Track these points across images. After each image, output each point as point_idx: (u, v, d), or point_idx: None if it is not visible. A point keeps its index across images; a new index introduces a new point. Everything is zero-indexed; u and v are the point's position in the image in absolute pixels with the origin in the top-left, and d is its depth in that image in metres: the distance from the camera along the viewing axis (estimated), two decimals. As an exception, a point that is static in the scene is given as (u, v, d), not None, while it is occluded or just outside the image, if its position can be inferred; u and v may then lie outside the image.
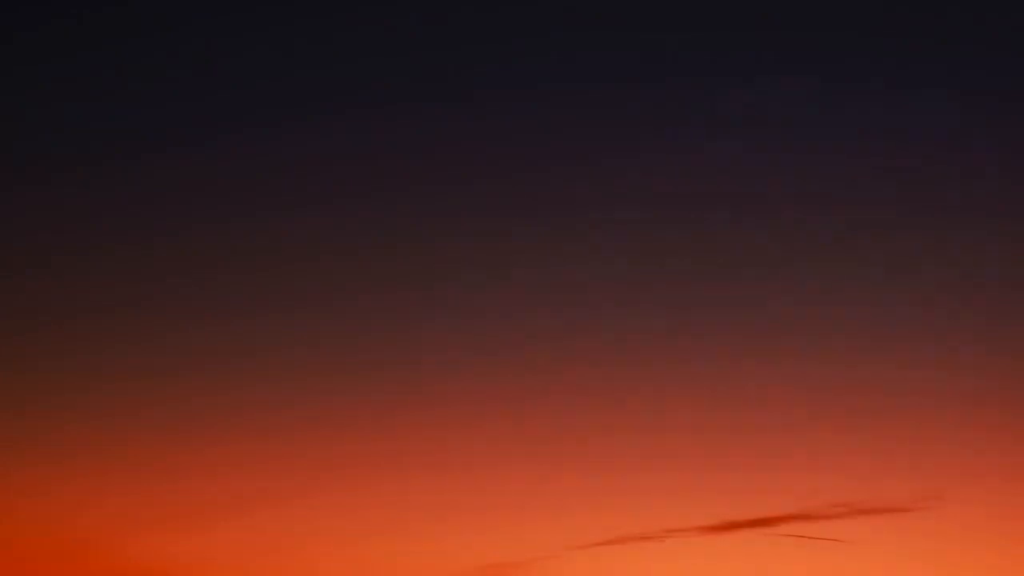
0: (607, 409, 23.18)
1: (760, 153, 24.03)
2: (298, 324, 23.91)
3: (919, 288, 23.29)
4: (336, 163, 24.47)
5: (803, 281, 23.49)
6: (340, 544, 22.50)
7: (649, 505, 22.29)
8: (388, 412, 23.47)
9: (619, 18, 24.06)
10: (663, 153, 24.19)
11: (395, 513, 22.71)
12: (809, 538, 21.74)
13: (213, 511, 22.49)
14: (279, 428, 23.32)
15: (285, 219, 24.35)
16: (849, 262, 23.55)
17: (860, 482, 22.09)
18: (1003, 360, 22.83)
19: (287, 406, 23.43)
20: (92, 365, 23.83)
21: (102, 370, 23.75)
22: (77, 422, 23.40)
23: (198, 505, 22.62)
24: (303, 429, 23.34)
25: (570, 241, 24.03)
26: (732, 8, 24.00)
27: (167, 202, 24.44)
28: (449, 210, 24.16)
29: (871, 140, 23.86)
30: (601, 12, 24.03)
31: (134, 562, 22.06)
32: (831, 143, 23.87)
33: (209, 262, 24.19)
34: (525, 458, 22.99)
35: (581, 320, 23.68)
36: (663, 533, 21.91)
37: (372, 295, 24.00)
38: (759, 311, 23.44)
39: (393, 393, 23.53)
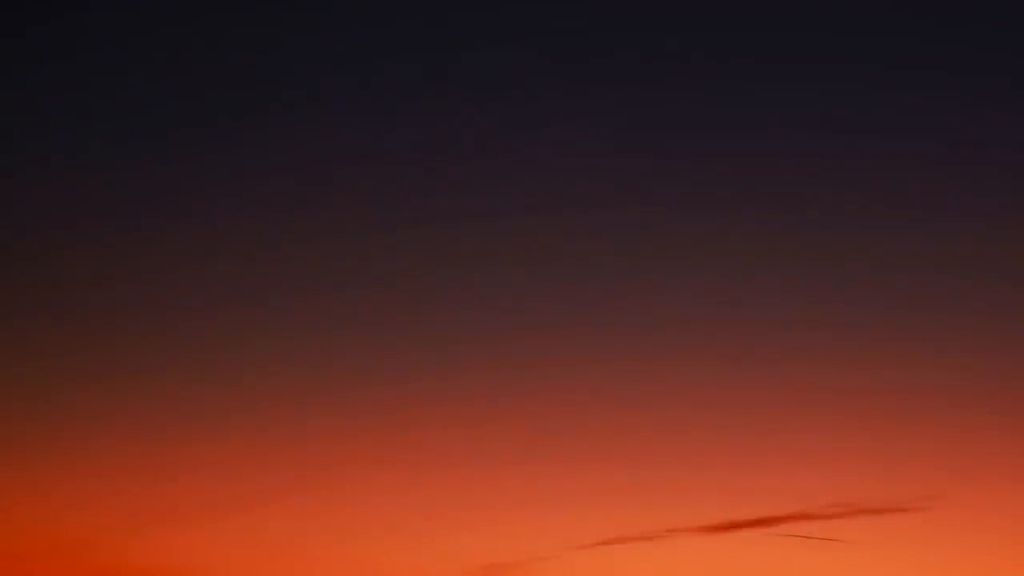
0: (607, 409, 23.21)
1: (759, 153, 24.09)
2: (299, 324, 23.95)
3: (919, 288, 23.33)
4: (336, 163, 24.51)
5: (803, 281, 23.53)
6: (340, 544, 22.54)
7: (649, 505, 22.33)
8: (388, 412, 23.50)
9: (617, 18, 24.12)
10: (660, 152, 24.26)
11: (395, 513, 22.74)
12: (809, 538, 21.77)
13: (213, 511, 22.52)
14: (279, 428, 23.35)
15: (285, 218, 24.40)
16: (849, 262, 23.58)
17: (860, 482, 22.13)
18: (1003, 360, 22.88)
19: (287, 406, 23.47)
20: (92, 365, 23.87)
21: (102, 370, 23.79)
22: (77, 422, 23.43)
23: (198, 505, 22.66)
24: (303, 429, 23.37)
25: (570, 240, 24.08)
26: (732, 8, 24.06)
27: (167, 202, 24.47)
28: (449, 210, 24.20)
29: (872, 139, 23.92)
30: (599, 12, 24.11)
31: (134, 562, 22.09)
32: (831, 143, 23.93)
33: (209, 261, 24.22)
34: (525, 458, 23.02)
35: (581, 319, 23.72)
36: (663, 533, 21.93)
37: (372, 294, 24.04)
38: (759, 311, 23.47)
39: (393, 393, 23.57)
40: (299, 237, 24.29)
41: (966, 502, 21.72)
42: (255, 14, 24.25)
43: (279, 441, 23.30)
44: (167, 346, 23.86)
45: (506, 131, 24.28)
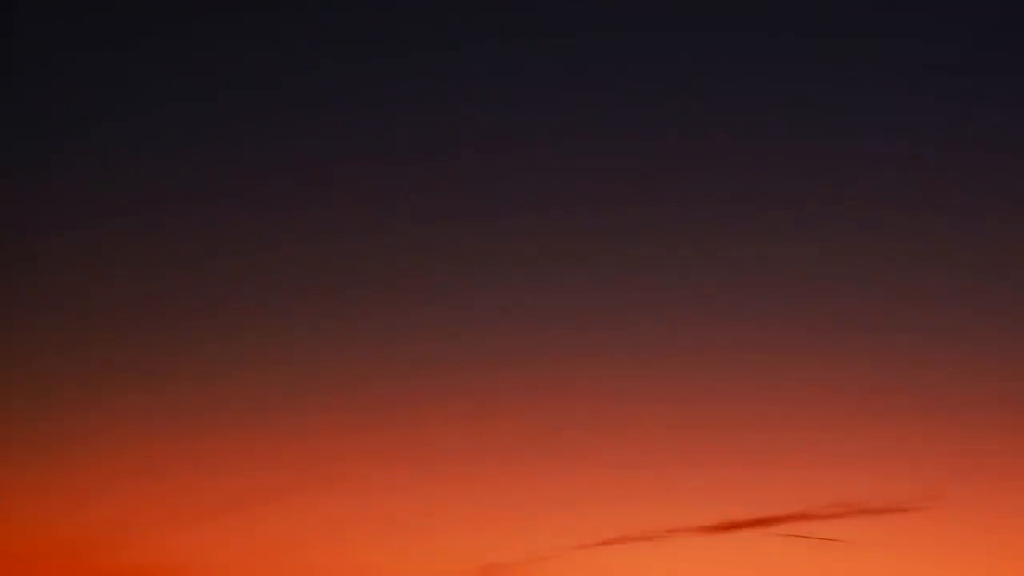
0: (607, 408, 23.21)
1: (758, 153, 24.10)
2: (299, 324, 23.94)
3: (919, 288, 23.34)
4: (337, 163, 24.53)
5: (803, 280, 23.54)
6: (340, 544, 22.53)
7: (649, 505, 22.32)
8: (387, 411, 23.50)
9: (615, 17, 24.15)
10: (659, 151, 24.28)
11: (395, 513, 22.74)
12: (809, 538, 21.77)
13: (213, 511, 22.51)
14: (279, 428, 23.35)
15: (285, 218, 24.40)
16: (849, 262, 23.60)
17: (860, 482, 22.13)
18: (1003, 360, 22.89)
19: (287, 406, 23.47)
20: (91, 365, 23.86)
21: (101, 370, 23.78)
22: (77, 422, 23.42)
23: (198, 505, 22.65)
24: (303, 429, 23.37)
25: (570, 240, 24.09)
26: (733, 8, 24.08)
27: (167, 202, 24.47)
28: (449, 210, 24.21)
29: (871, 139, 23.93)
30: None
31: (134, 562, 22.09)
32: (831, 143, 23.93)
33: (209, 261, 24.22)
34: (525, 458, 23.03)
35: (581, 319, 23.72)
36: (663, 533, 21.93)
37: (372, 295, 24.05)
38: (760, 311, 23.48)
39: (392, 392, 23.57)
40: (299, 236, 24.33)
41: (966, 502, 21.75)
42: (255, 13, 24.28)
43: (279, 441, 23.32)
44: (167, 345, 23.88)
45: (506, 131, 24.32)
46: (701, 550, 21.93)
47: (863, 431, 22.72)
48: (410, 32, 24.33)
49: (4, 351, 23.65)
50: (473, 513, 22.66)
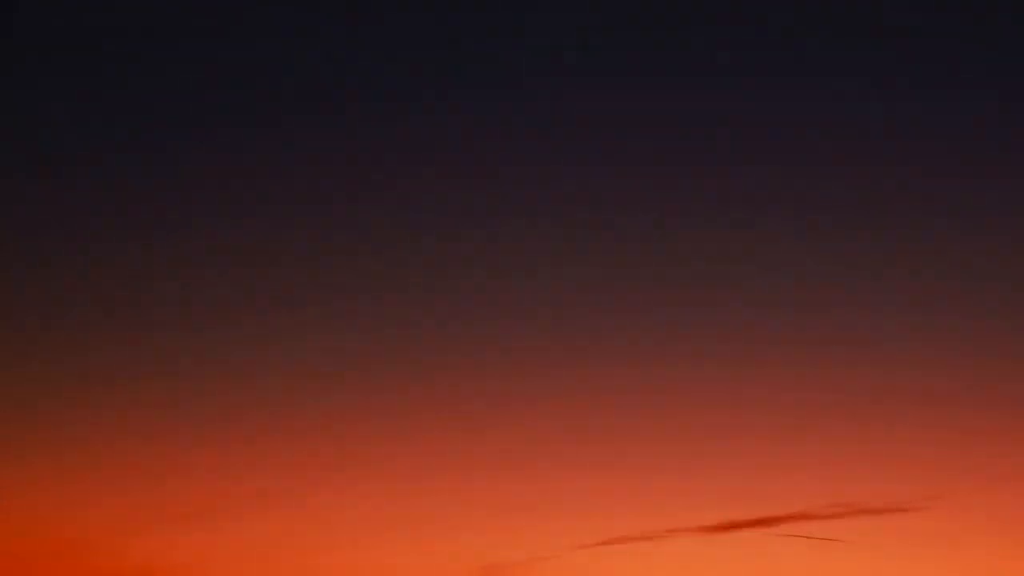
0: (607, 409, 23.22)
1: (759, 154, 24.11)
2: (299, 325, 23.93)
3: (919, 288, 23.35)
4: (336, 163, 24.52)
5: (803, 281, 23.55)
6: (340, 544, 22.54)
7: (649, 505, 22.34)
8: (388, 412, 23.51)
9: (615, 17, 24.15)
10: (662, 153, 24.29)
11: (395, 513, 22.74)
12: (809, 538, 21.78)
13: (213, 511, 22.51)
14: (279, 428, 23.36)
15: (285, 219, 24.40)
16: (849, 262, 23.62)
17: (860, 482, 22.15)
18: (1003, 360, 22.90)
19: (287, 407, 23.47)
20: (91, 365, 23.85)
21: (101, 370, 23.77)
22: (77, 422, 23.42)
23: (198, 505, 22.65)
24: (303, 429, 23.38)
25: (570, 242, 24.09)
26: (732, 9, 24.08)
27: (167, 202, 24.48)
28: (449, 211, 24.22)
29: (870, 140, 23.95)
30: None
31: (134, 562, 22.09)
32: (830, 144, 23.95)
33: (209, 262, 24.23)
34: (525, 458, 23.05)
35: (581, 320, 23.73)
36: (663, 533, 21.94)
37: (372, 296, 24.05)
38: (759, 311, 23.49)
39: (393, 394, 23.57)
40: (294, 240, 24.33)
41: (966, 502, 21.77)
42: (255, 13, 24.29)
43: (279, 442, 23.33)
44: (167, 347, 23.88)
45: (506, 131, 24.34)
46: (701, 550, 21.98)
47: (863, 431, 22.76)
48: (410, 32, 24.36)
49: (4, 351, 23.68)
50: (473, 513, 22.69)
